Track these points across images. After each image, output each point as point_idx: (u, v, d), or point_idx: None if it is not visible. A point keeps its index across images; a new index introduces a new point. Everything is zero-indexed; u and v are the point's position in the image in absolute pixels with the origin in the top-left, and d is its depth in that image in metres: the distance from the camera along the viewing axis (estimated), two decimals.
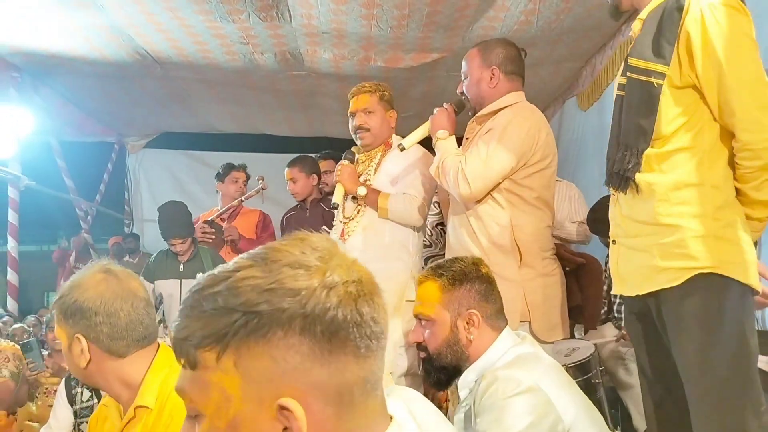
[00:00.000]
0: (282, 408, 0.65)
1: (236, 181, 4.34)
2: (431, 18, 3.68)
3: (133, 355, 1.41)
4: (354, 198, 2.71)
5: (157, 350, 1.45)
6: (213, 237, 4.06)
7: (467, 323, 1.65)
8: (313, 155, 4.27)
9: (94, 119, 6.05)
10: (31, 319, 5.23)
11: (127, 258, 6.44)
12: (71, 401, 2.63)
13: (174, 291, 3.63)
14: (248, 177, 4.45)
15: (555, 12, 3.58)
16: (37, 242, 12.67)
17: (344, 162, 2.75)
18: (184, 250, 3.66)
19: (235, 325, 0.65)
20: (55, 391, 2.79)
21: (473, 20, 3.71)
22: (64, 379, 2.74)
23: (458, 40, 3.97)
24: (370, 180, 2.73)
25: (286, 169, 4.02)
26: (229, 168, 4.38)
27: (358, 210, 2.70)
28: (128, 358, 1.40)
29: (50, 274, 7.44)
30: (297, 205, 4.18)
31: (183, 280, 3.65)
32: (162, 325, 3.49)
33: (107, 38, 4.00)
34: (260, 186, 4.38)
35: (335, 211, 2.90)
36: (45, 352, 3.52)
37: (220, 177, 4.38)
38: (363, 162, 2.81)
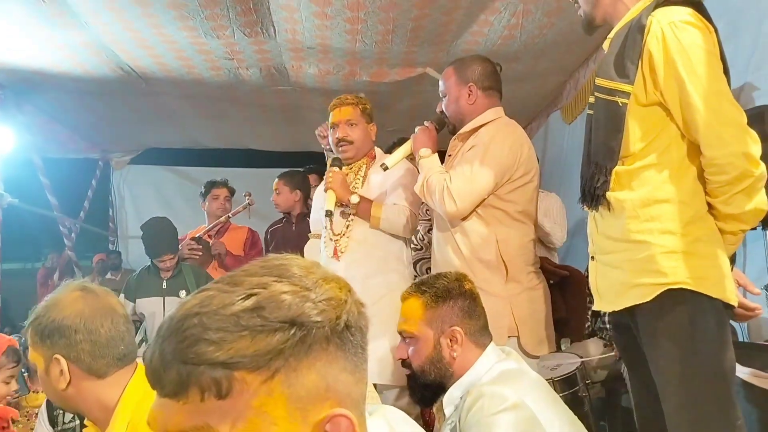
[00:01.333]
0: (333, 418, 0.62)
1: (217, 198, 4.30)
2: (415, 33, 3.70)
3: (113, 376, 1.38)
4: (341, 213, 2.69)
5: (135, 370, 1.43)
6: (200, 253, 4.03)
7: (450, 340, 1.65)
8: (301, 170, 4.29)
9: (77, 136, 5.99)
10: (14, 338, 5.14)
11: (109, 275, 6.37)
12: (53, 423, 2.59)
13: (157, 309, 3.58)
14: (232, 192, 4.41)
15: (538, 27, 3.62)
16: (20, 260, 12.49)
17: (334, 169, 2.71)
18: (172, 266, 3.63)
19: (289, 341, 0.61)
20: (37, 414, 2.74)
21: (457, 35, 3.74)
22: (45, 400, 2.70)
23: (443, 55, 3.99)
24: (357, 192, 2.71)
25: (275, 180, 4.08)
26: (210, 186, 4.35)
27: (348, 225, 2.68)
28: (108, 378, 1.37)
29: (34, 292, 7.34)
30: (283, 218, 4.18)
31: (166, 298, 3.60)
32: (145, 344, 3.44)
33: (91, 54, 3.98)
34: (247, 202, 4.36)
35: (323, 226, 2.86)
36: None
37: (203, 196, 4.36)
38: (347, 175, 2.80)
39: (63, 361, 1.34)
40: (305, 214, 3.92)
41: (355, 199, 2.61)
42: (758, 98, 2.66)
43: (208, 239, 4.17)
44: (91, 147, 6.42)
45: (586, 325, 3.35)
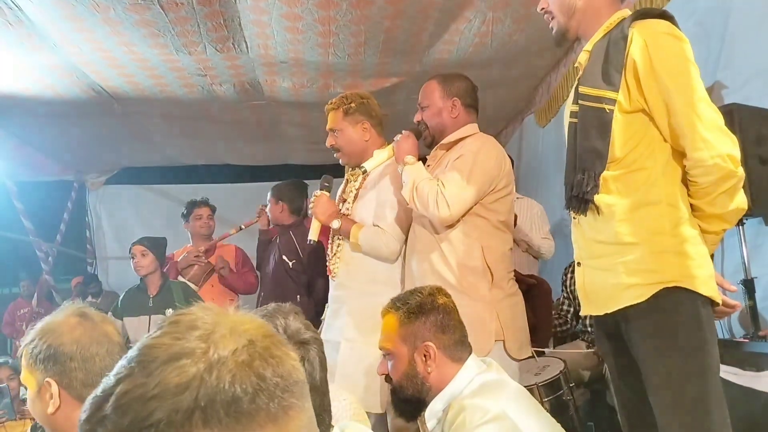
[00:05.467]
0: None
1: (200, 217, 4.29)
2: (387, 44, 3.71)
3: None
4: (334, 231, 2.65)
5: None
6: (205, 261, 4.09)
7: (424, 356, 1.67)
8: (304, 181, 4.26)
9: (51, 158, 5.92)
10: None
11: (90, 299, 6.27)
12: None
13: (142, 328, 3.55)
14: (213, 210, 4.40)
15: (508, 33, 3.65)
16: None
17: (317, 193, 2.67)
18: (148, 262, 3.65)
19: None
20: None
21: (429, 44, 3.76)
22: (30, 427, 2.66)
23: (416, 65, 4.01)
24: (349, 203, 2.67)
25: None
26: (192, 206, 4.34)
27: (339, 245, 2.64)
28: None
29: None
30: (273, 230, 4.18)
31: (152, 316, 3.58)
32: None
33: (61, 76, 3.94)
34: (260, 209, 4.34)
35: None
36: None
37: (186, 216, 4.33)
38: (351, 180, 2.76)
39: (54, 385, 1.34)
40: (287, 226, 3.90)
41: (336, 224, 2.58)
42: (727, 96, 2.70)
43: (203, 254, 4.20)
44: (65, 169, 6.33)
45: (566, 328, 3.39)
